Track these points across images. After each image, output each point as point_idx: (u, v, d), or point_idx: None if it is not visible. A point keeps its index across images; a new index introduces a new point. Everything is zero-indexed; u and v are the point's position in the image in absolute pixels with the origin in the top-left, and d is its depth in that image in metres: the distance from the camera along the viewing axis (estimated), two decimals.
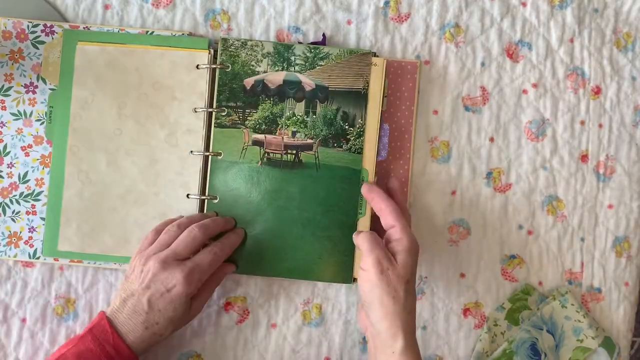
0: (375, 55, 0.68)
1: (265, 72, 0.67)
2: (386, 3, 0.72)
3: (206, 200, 0.67)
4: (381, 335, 0.58)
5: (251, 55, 0.67)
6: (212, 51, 0.68)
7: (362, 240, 0.61)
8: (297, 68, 0.67)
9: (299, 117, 0.67)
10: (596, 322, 0.72)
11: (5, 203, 0.68)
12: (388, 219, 0.61)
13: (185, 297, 0.59)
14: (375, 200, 0.63)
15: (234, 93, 0.67)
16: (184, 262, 0.60)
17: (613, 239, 0.73)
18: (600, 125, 0.73)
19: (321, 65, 0.67)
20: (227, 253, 0.64)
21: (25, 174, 0.68)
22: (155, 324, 0.59)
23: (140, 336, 0.59)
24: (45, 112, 0.68)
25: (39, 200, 0.68)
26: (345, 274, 0.67)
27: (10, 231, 0.68)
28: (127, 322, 0.59)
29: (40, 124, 0.69)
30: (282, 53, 0.67)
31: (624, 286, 0.73)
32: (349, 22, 0.72)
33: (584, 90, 0.73)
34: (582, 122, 0.73)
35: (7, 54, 0.68)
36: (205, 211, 0.67)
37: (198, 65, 0.67)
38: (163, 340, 0.62)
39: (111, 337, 0.58)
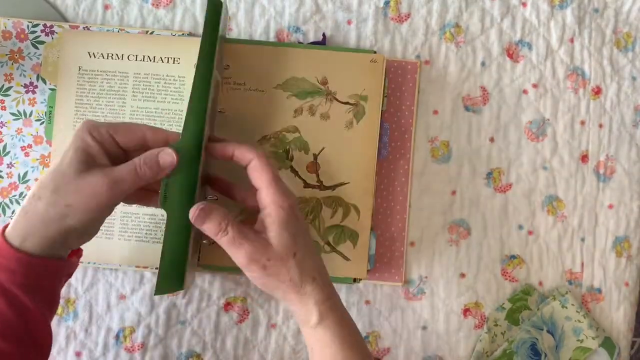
0: (374, 53, 0.68)
1: None
2: (386, 3, 0.72)
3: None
4: (296, 315, 0.55)
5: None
6: None
7: (210, 234, 0.52)
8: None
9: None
10: (596, 322, 0.72)
11: (5, 203, 0.68)
12: (257, 180, 0.53)
13: (75, 145, 0.49)
14: (237, 153, 0.54)
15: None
16: None
17: (613, 239, 0.73)
18: (601, 125, 0.73)
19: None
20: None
21: (25, 174, 0.68)
22: (36, 185, 0.49)
23: (25, 211, 0.49)
24: (45, 112, 0.68)
25: None
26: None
27: None
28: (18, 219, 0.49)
29: (40, 124, 0.69)
30: None
31: (624, 286, 0.73)
32: (349, 22, 0.72)
33: (584, 90, 0.73)
34: (582, 122, 0.73)
35: (7, 54, 0.68)
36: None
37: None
38: (50, 222, 0.49)
39: (5, 250, 0.49)
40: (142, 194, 0.57)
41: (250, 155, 0.54)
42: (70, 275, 0.56)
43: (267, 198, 0.52)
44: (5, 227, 0.50)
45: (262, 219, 0.53)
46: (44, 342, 0.53)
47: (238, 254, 0.52)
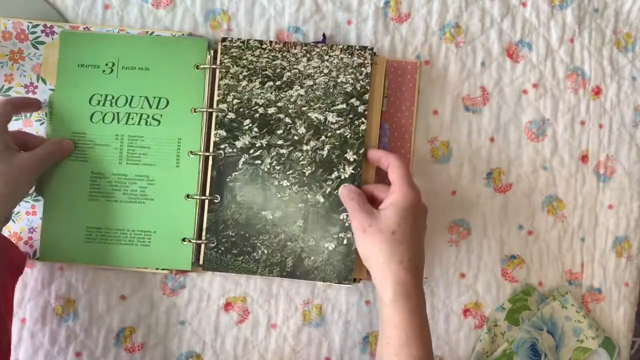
0: (374, 54, 0.68)
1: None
2: (386, 3, 0.72)
3: (206, 201, 0.67)
4: (377, 287, 0.60)
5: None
6: (212, 52, 0.68)
7: (344, 200, 0.64)
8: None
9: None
10: (596, 323, 0.72)
11: None
12: (392, 174, 0.62)
13: None
14: (387, 157, 0.63)
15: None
16: None
17: (613, 239, 0.73)
18: (601, 126, 0.73)
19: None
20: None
21: None
22: None
23: None
24: (45, 112, 0.68)
25: (38, 200, 0.68)
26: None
27: (10, 231, 0.68)
28: None
29: (40, 124, 0.69)
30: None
31: (624, 286, 0.73)
32: (349, 22, 0.72)
33: (584, 90, 0.73)
34: (582, 122, 0.73)
35: (7, 55, 0.68)
36: (205, 214, 0.67)
37: (198, 65, 0.67)
38: None
39: None
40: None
41: (391, 158, 0.63)
42: (20, 271, 0.63)
43: (396, 185, 0.60)
44: None
45: (388, 197, 0.61)
46: None
47: (353, 218, 0.61)
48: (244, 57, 0.67)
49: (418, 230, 0.61)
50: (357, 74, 0.66)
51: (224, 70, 0.67)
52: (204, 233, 0.67)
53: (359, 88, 0.66)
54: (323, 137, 0.66)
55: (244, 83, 0.67)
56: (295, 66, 0.67)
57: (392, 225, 0.58)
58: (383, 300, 0.59)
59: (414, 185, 0.61)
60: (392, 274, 0.58)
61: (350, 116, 0.66)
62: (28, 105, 0.67)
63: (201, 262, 0.66)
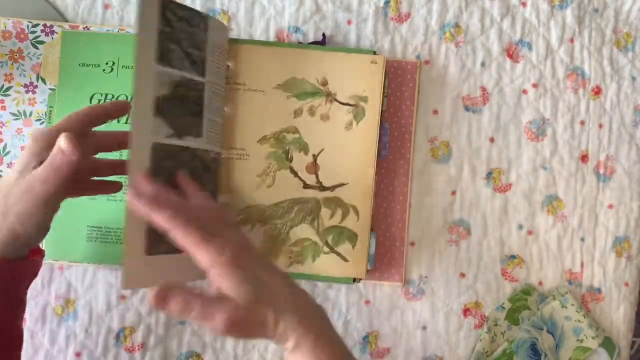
0: (374, 53, 0.68)
1: None
2: (386, 3, 0.72)
3: None
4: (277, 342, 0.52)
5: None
6: None
7: (184, 318, 0.51)
8: None
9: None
10: (596, 322, 0.72)
11: None
12: (188, 248, 0.50)
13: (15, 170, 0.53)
14: (160, 220, 0.50)
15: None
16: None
17: (613, 239, 0.73)
18: (600, 125, 0.73)
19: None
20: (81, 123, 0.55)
21: None
22: None
23: None
24: (45, 112, 0.68)
25: None
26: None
27: None
28: None
29: (40, 124, 0.69)
30: None
31: (624, 286, 0.73)
32: (349, 22, 0.72)
33: (584, 90, 0.73)
34: (582, 122, 0.73)
35: (7, 54, 0.68)
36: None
37: None
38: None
39: None
40: (94, 184, 0.61)
41: (166, 226, 0.49)
42: (35, 275, 0.59)
43: (204, 261, 0.49)
44: None
45: (213, 279, 0.50)
46: (14, 342, 0.56)
47: (216, 326, 0.48)
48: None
49: (265, 269, 0.52)
50: None
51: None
52: None
53: None
54: None
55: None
56: None
57: (252, 296, 0.49)
58: (286, 350, 0.51)
59: (219, 238, 0.50)
60: (285, 328, 0.49)
61: None
62: (109, 112, 0.57)
63: None
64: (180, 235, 0.49)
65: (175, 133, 0.56)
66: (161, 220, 0.49)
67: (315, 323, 0.52)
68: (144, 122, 0.54)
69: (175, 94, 0.56)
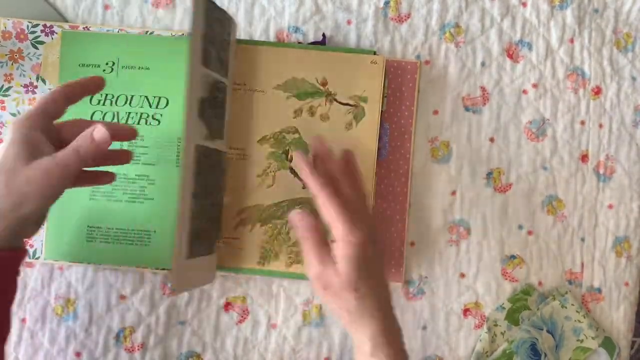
0: (374, 54, 0.68)
1: None
2: (386, 3, 0.72)
3: None
4: (353, 339, 0.56)
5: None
6: None
7: (297, 232, 0.56)
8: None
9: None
10: (596, 322, 0.72)
11: None
12: (326, 215, 0.54)
13: (14, 137, 0.51)
14: (310, 186, 0.55)
15: None
16: None
17: (613, 239, 0.73)
18: (600, 125, 0.73)
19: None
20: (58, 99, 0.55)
21: None
22: None
23: None
24: None
25: None
26: None
27: None
28: None
29: None
30: None
31: (624, 286, 0.73)
32: (349, 22, 0.72)
33: (584, 90, 0.73)
34: (582, 122, 0.73)
35: (6, 54, 0.68)
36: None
37: None
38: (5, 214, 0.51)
39: None
40: (88, 175, 0.60)
41: (314, 191, 0.55)
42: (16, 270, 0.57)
43: (336, 233, 0.53)
44: None
45: (335, 247, 0.54)
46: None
47: (309, 265, 0.54)
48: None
49: (376, 271, 0.55)
50: None
51: None
52: None
53: None
54: None
55: None
56: None
57: (352, 284, 0.53)
58: (362, 352, 0.55)
59: (354, 221, 0.53)
60: (367, 329, 0.54)
61: None
62: (85, 87, 0.57)
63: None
64: (326, 203, 0.53)
65: (209, 135, 0.57)
66: (312, 185, 0.54)
67: (395, 338, 0.55)
68: (193, 124, 0.54)
69: (212, 96, 0.57)
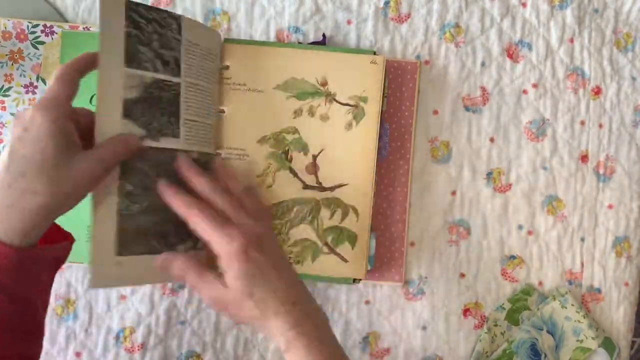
0: (374, 54, 0.68)
1: None
2: (386, 3, 0.72)
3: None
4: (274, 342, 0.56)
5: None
6: None
7: (185, 280, 0.54)
8: None
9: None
10: (596, 323, 0.72)
11: None
12: (201, 234, 0.53)
13: (51, 129, 0.47)
14: (177, 208, 0.54)
15: None
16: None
17: (613, 239, 0.73)
18: (600, 126, 0.73)
19: None
20: (70, 80, 0.52)
21: None
22: (21, 177, 0.47)
23: (5, 209, 0.47)
24: None
25: None
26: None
27: None
28: None
29: None
30: None
31: (624, 286, 0.73)
32: (349, 22, 0.72)
33: (584, 90, 0.73)
34: (582, 122, 0.73)
35: (7, 55, 0.68)
36: None
37: None
38: (46, 213, 0.49)
39: None
40: None
41: (182, 213, 0.53)
42: (63, 261, 0.56)
43: (215, 248, 0.52)
44: None
45: (220, 265, 0.52)
46: (37, 331, 0.54)
47: (202, 296, 0.53)
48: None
49: (267, 270, 0.52)
50: None
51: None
52: None
53: None
54: None
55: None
56: None
57: (246, 290, 0.51)
58: (281, 350, 0.53)
59: (233, 228, 0.52)
60: (276, 328, 0.52)
61: None
62: (90, 61, 0.53)
63: None
64: (197, 221, 0.52)
65: (148, 134, 0.55)
66: (176, 207, 0.53)
67: (310, 327, 0.53)
68: (111, 125, 0.53)
69: (148, 96, 0.56)
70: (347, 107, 0.66)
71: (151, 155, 0.56)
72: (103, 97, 0.53)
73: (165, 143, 0.57)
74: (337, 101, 0.67)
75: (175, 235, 0.57)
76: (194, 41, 0.60)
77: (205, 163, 0.61)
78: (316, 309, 0.55)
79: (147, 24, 0.56)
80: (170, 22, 0.58)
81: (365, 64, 0.66)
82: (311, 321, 0.53)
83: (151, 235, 0.56)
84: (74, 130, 0.50)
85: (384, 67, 0.66)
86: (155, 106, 0.56)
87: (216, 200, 0.54)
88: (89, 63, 0.53)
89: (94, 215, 0.52)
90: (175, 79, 0.58)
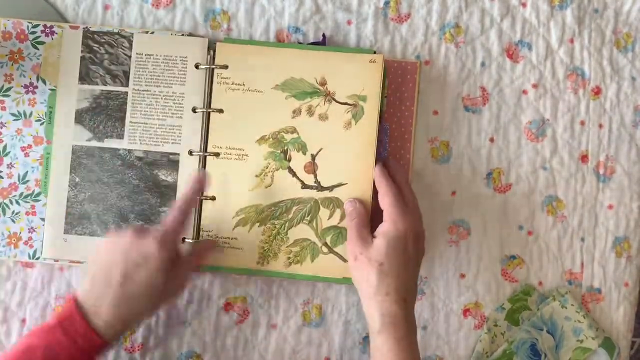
0: (374, 53, 0.67)
1: None
2: (386, 3, 0.72)
3: (204, 200, 0.67)
4: (365, 316, 0.61)
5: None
6: (211, 52, 0.68)
7: (346, 217, 0.65)
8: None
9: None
10: (596, 323, 0.72)
11: (5, 203, 0.68)
12: (382, 202, 0.62)
13: (164, 264, 0.58)
14: (378, 182, 0.64)
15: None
16: (154, 229, 0.60)
17: (613, 239, 0.73)
18: (600, 126, 0.73)
19: None
20: (185, 211, 0.62)
21: (25, 174, 0.68)
22: (132, 299, 0.57)
23: (115, 316, 0.57)
24: (45, 113, 0.68)
25: (38, 200, 0.68)
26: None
27: (9, 231, 0.68)
28: (99, 301, 0.57)
29: (40, 124, 0.69)
30: None
31: (624, 286, 0.73)
32: (349, 22, 0.72)
33: (584, 90, 0.73)
34: (582, 123, 0.73)
35: (7, 55, 0.68)
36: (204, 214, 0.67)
37: (197, 65, 0.68)
38: (140, 321, 0.60)
39: (82, 329, 0.55)
40: None
41: (381, 184, 0.63)
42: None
43: (387, 214, 0.61)
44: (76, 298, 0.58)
45: (380, 226, 0.61)
46: None
47: (349, 242, 0.63)
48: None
49: (408, 260, 0.61)
50: None
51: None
52: (202, 233, 0.67)
53: None
54: None
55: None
56: None
57: (380, 257, 0.59)
58: (371, 328, 0.60)
59: (406, 213, 0.61)
60: (378, 305, 0.59)
61: None
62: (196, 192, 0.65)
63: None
64: (387, 192, 0.62)
65: (94, 136, 0.68)
66: (379, 181, 0.63)
67: (406, 326, 0.60)
68: (65, 130, 0.68)
69: (97, 105, 0.68)
70: (346, 107, 0.66)
71: (96, 154, 0.68)
72: (60, 108, 0.68)
73: (109, 143, 0.68)
74: (336, 100, 0.66)
75: (113, 223, 0.68)
76: (147, 52, 0.68)
77: (153, 161, 0.68)
78: (414, 319, 0.61)
79: (99, 46, 0.68)
80: (122, 41, 0.68)
81: (364, 62, 0.66)
82: (408, 323, 0.60)
83: (93, 220, 0.68)
84: (178, 249, 0.61)
85: (382, 65, 0.66)
86: (103, 113, 0.68)
87: (404, 189, 0.64)
88: (193, 200, 0.64)
89: (49, 200, 0.68)
90: (123, 89, 0.68)
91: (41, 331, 0.56)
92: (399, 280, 0.60)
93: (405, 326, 0.59)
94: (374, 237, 0.61)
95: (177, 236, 0.61)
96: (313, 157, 0.67)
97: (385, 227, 0.60)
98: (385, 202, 0.61)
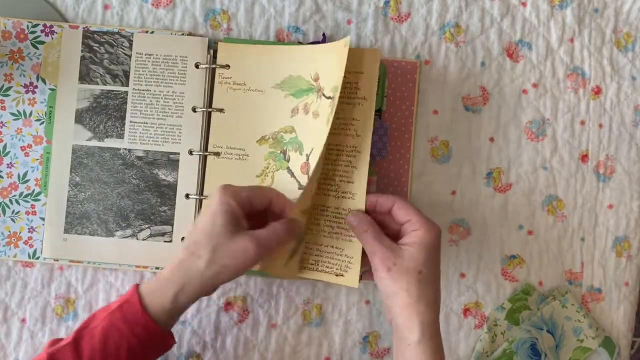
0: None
1: None
2: (386, 3, 0.72)
3: (203, 201, 0.67)
4: (399, 327, 0.59)
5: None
6: (211, 51, 0.68)
7: (355, 232, 0.62)
8: None
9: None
10: (596, 322, 0.72)
11: (5, 203, 0.68)
12: (404, 213, 0.60)
13: (223, 207, 0.55)
14: (381, 200, 0.62)
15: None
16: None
17: (613, 239, 0.73)
18: (600, 125, 0.73)
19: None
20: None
21: (25, 174, 0.68)
22: (194, 243, 0.55)
23: (167, 278, 0.55)
24: (45, 112, 0.68)
25: (38, 200, 0.68)
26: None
27: (9, 231, 0.68)
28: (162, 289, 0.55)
29: (40, 124, 0.69)
30: None
31: (624, 286, 0.73)
32: (349, 22, 0.72)
33: (584, 90, 0.73)
34: (582, 122, 0.73)
35: (6, 54, 0.68)
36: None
37: (198, 64, 0.68)
38: (200, 282, 0.55)
39: (141, 318, 0.55)
40: None
41: (394, 199, 0.61)
42: (162, 353, 0.60)
43: (418, 222, 0.59)
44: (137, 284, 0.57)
45: (409, 234, 0.59)
46: None
47: (374, 255, 0.59)
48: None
49: (438, 267, 0.61)
50: None
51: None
52: None
53: None
54: None
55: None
56: None
57: (418, 265, 0.58)
58: (407, 340, 0.58)
59: (432, 220, 0.60)
60: (420, 316, 0.57)
61: None
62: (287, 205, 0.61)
63: None
64: (405, 204, 0.61)
65: (94, 136, 0.68)
66: (386, 199, 0.62)
67: (440, 339, 0.59)
68: (65, 129, 0.68)
69: (97, 105, 0.68)
70: (329, 101, 0.62)
71: (96, 153, 0.68)
72: (60, 108, 0.68)
73: (109, 143, 0.68)
74: (324, 95, 0.63)
75: (114, 223, 0.68)
76: (147, 52, 0.68)
77: (153, 161, 0.67)
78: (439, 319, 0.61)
79: (99, 46, 0.68)
80: (122, 40, 0.68)
81: (340, 49, 0.62)
82: (439, 333, 0.59)
83: (93, 220, 0.68)
84: (242, 215, 0.56)
85: (378, 59, 0.63)
86: (103, 112, 0.68)
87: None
88: (264, 201, 0.59)
89: (49, 200, 0.68)
90: (123, 89, 0.68)
91: (104, 310, 0.57)
92: (437, 287, 0.60)
93: (439, 334, 0.59)
94: (400, 244, 0.59)
95: (240, 194, 0.56)
96: (307, 157, 0.64)
97: (421, 234, 0.59)
98: (410, 210, 0.60)
